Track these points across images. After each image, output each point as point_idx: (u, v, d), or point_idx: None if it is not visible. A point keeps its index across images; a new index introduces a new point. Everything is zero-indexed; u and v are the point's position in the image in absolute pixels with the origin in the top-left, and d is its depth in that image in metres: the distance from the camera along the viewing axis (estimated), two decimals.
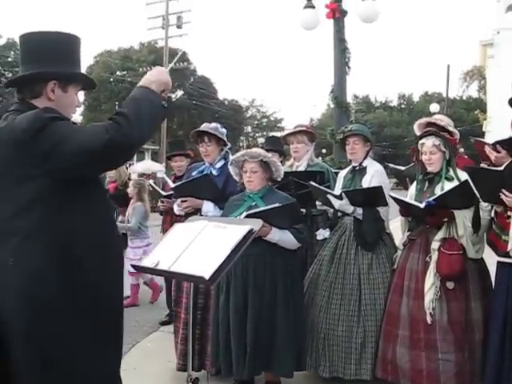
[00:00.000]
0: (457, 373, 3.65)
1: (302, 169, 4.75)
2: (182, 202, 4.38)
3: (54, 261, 2.11)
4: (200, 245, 2.36)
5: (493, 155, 3.94)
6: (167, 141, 32.64)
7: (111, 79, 42.63)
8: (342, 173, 4.63)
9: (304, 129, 4.85)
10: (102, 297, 2.23)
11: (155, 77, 2.28)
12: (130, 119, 2.09)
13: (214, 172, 4.49)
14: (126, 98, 2.25)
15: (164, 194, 5.84)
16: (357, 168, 4.45)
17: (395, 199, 3.99)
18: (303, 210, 4.48)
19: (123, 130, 2.07)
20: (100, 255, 2.22)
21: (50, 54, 2.27)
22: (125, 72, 42.86)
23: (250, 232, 2.27)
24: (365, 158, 4.43)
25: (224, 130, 4.58)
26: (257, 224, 2.37)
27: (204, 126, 4.54)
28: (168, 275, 3.12)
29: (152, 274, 2.58)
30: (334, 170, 5.21)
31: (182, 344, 4.31)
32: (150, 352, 5.28)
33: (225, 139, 4.53)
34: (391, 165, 5.38)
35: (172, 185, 5.26)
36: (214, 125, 4.57)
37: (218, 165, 4.51)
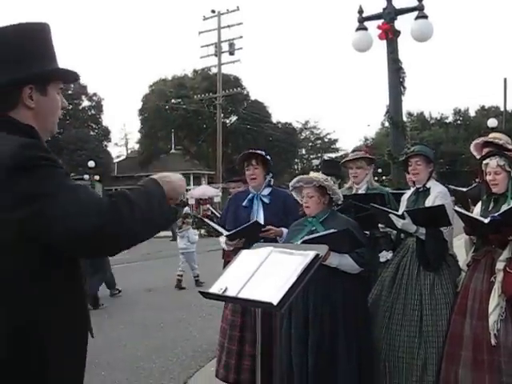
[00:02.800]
0: None
1: (361, 192, 4.75)
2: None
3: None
4: (266, 271, 2.39)
5: None
6: (223, 166, 33.14)
7: (166, 107, 43.56)
8: (406, 195, 4.60)
9: (363, 155, 4.86)
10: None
11: (175, 180, 1.88)
12: (134, 209, 1.65)
13: (266, 200, 4.55)
14: (137, 187, 1.79)
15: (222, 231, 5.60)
16: (420, 189, 4.41)
17: (459, 213, 3.93)
18: (367, 233, 4.47)
19: (123, 219, 1.62)
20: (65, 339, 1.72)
21: (17, 54, 1.80)
22: (179, 99, 43.76)
23: (317, 257, 2.29)
24: (428, 179, 4.39)
25: (268, 157, 4.67)
26: (322, 249, 2.39)
27: (252, 151, 4.65)
28: (235, 301, 3.16)
29: (219, 300, 2.59)
30: (392, 191, 5.20)
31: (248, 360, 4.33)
32: (214, 376, 5.32)
33: (271, 163, 4.62)
34: (452, 186, 5.30)
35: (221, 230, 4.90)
36: (259, 151, 4.67)
37: (266, 192, 4.57)
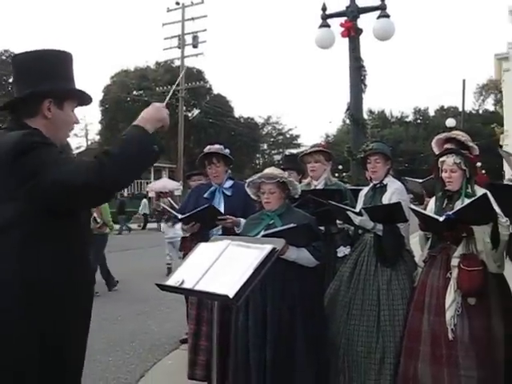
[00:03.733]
0: None
1: (320, 187, 4.79)
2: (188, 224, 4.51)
3: (16, 288, 2.04)
4: (224, 264, 2.40)
5: None
6: (184, 159, 32.94)
7: (128, 99, 43.05)
8: (363, 191, 4.66)
9: (321, 149, 4.91)
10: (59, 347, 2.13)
11: (151, 115, 2.26)
12: (115, 160, 2.05)
13: (228, 192, 4.62)
14: (118, 136, 2.22)
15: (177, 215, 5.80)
16: (377, 186, 4.48)
17: (414, 211, 4.01)
18: (322, 228, 4.53)
19: (105, 172, 2.01)
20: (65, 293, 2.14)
21: (43, 73, 2.24)
22: (141, 91, 43.28)
23: (273, 251, 2.31)
24: (385, 175, 4.47)
25: (228, 150, 4.72)
26: (279, 243, 2.41)
27: (208, 149, 4.67)
28: (192, 294, 3.16)
29: (176, 292, 2.59)
30: (351, 187, 5.26)
31: (204, 356, 4.34)
32: (171, 370, 5.32)
33: (232, 159, 4.68)
34: (408, 178, 5.41)
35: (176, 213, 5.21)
36: (217, 146, 4.73)
37: (227, 185, 4.65)
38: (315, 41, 8.29)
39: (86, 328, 2.33)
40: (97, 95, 53.74)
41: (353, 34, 7.92)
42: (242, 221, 4.40)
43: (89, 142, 54.32)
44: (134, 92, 43.75)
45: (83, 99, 2.41)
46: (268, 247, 2.31)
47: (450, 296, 3.75)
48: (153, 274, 10.76)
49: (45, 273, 2.08)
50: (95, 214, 9.07)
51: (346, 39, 8.01)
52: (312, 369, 3.86)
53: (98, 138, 50.16)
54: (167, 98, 2.56)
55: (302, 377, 3.82)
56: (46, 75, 2.24)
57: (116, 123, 44.25)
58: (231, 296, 2.18)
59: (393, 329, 4.04)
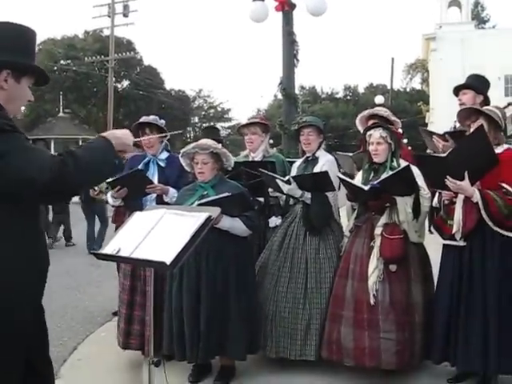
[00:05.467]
0: (397, 351, 3.86)
1: (257, 159, 4.88)
2: (118, 191, 4.45)
3: None
4: (160, 232, 2.45)
5: (441, 144, 4.29)
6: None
7: (55, 68, 41.51)
8: (296, 163, 4.81)
9: (258, 120, 4.98)
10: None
11: (121, 136, 2.31)
12: (79, 164, 2.06)
13: (162, 164, 4.63)
14: (85, 144, 2.26)
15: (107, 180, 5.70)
16: (310, 158, 4.63)
17: (342, 180, 4.19)
18: (261, 200, 4.63)
19: (68, 173, 2.03)
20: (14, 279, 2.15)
21: (6, 44, 2.23)
22: (69, 61, 41.82)
23: (209, 219, 2.38)
24: (318, 149, 4.60)
25: (163, 121, 4.73)
26: (215, 211, 2.48)
27: (144, 119, 4.67)
28: (129, 262, 3.19)
29: (113, 261, 2.62)
30: (287, 160, 5.40)
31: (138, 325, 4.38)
32: (104, 342, 5.32)
33: (166, 130, 4.68)
34: (340, 152, 5.59)
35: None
36: (152, 117, 4.72)
37: (163, 156, 4.66)
38: (249, 14, 8.29)
39: (39, 309, 2.41)
40: None
41: (287, 8, 7.97)
42: (171, 190, 4.44)
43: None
44: (62, 61, 42.19)
45: (40, 79, 2.40)
46: (204, 215, 2.37)
47: (373, 263, 3.96)
48: (82, 248, 10.67)
49: None
50: None
51: (280, 13, 8.06)
52: (244, 335, 4.00)
53: (23, 108, 48.25)
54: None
55: (235, 343, 3.96)
56: (7, 47, 2.22)
57: (42, 94, 42.60)
58: (168, 262, 2.24)
59: (319, 296, 4.23)
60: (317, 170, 4.47)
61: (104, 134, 2.28)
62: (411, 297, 3.99)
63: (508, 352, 3.64)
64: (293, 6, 8.06)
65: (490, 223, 3.66)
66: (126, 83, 45.52)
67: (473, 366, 3.78)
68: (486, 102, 4.50)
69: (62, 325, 6.07)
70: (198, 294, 3.94)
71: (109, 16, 32.83)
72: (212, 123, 53.93)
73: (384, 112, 4.56)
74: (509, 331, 3.66)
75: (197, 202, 3.84)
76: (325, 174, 4.24)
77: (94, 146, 2.22)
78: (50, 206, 11.25)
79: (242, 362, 4.15)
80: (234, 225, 3.95)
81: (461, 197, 3.77)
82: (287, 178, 4.38)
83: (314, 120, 4.68)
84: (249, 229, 4.04)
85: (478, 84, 4.58)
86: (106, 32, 36.39)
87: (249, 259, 4.25)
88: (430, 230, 5.07)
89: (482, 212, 3.65)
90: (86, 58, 37.52)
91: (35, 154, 2.08)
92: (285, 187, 4.35)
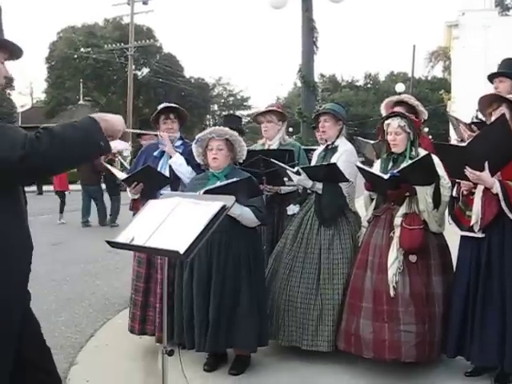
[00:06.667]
0: (417, 344, 3.81)
1: (273, 147, 4.85)
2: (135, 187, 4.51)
3: None
4: (174, 220, 2.43)
5: (467, 133, 4.19)
6: (134, 119, 32.40)
7: (75, 56, 41.74)
8: (317, 151, 4.77)
9: (274, 108, 4.94)
10: None
11: (111, 119, 2.20)
12: (54, 142, 1.97)
13: (178, 150, 4.62)
14: (70, 122, 2.14)
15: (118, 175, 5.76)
16: (329, 147, 4.56)
17: (361, 169, 4.11)
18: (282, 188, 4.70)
19: (40, 151, 1.94)
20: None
21: None
22: (89, 49, 41.99)
23: (223, 208, 2.35)
24: (337, 137, 4.53)
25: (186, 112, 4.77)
26: (229, 200, 2.45)
27: (165, 105, 4.67)
28: (143, 250, 3.19)
29: (127, 249, 2.61)
30: (307, 147, 5.39)
31: (159, 317, 4.38)
32: (121, 328, 5.34)
33: (187, 115, 4.76)
34: (360, 138, 5.52)
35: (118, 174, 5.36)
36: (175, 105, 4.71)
37: (178, 143, 4.69)
38: (268, 0, 8.23)
39: (24, 291, 2.30)
40: (42, 52, 51.82)
41: None
42: (178, 155, 4.52)
43: (34, 101, 52.67)
44: (82, 49, 42.36)
45: (14, 52, 2.27)
46: (218, 204, 2.35)
47: (393, 254, 3.89)
48: (100, 235, 10.73)
49: None
50: None
51: (299, 0, 7.99)
52: (254, 327, 3.97)
53: (43, 96, 48.63)
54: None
55: (244, 335, 3.95)
56: None
57: (63, 81, 42.96)
58: (182, 252, 2.22)
59: (331, 287, 4.18)
60: (334, 158, 4.39)
61: (93, 115, 2.17)
62: (431, 288, 3.92)
63: None
64: None
65: (510, 215, 3.57)
66: (145, 71, 45.68)
67: (488, 361, 3.72)
68: None
69: (80, 311, 6.14)
70: (209, 284, 3.92)
71: (128, 4, 32.89)
72: (231, 111, 54.00)
73: (413, 101, 4.46)
74: None
75: (204, 189, 3.76)
76: (333, 165, 4.18)
77: (78, 125, 2.10)
78: None
79: (258, 351, 4.13)
80: (244, 212, 3.89)
81: (480, 187, 3.68)
82: (296, 169, 4.34)
83: (331, 107, 4.59)
84: (258, 219, 3.98)
85: None
86: (126, 20, 36.55)
87: (259, 251, 4.22)
88: (449, 221, 5.00)
89: (502, 203, 3.56)
90: (105, 46, 37.69)
91: (7, 132, 1.99)
92: (295, 178, 4.32)
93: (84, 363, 4.59)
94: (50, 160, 1.99)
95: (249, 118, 48.89)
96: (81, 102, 42.48)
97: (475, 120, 4.56)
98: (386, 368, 3.97)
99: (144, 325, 4.52)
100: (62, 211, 13.79)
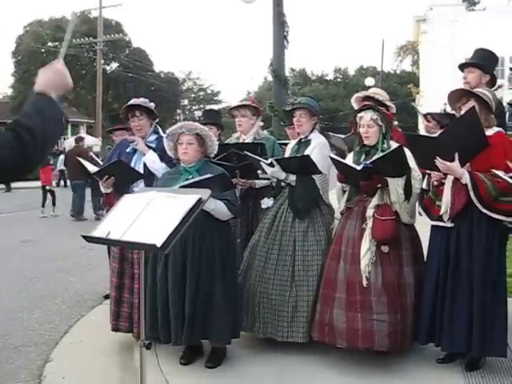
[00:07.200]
0: (389, 333, 3.88)
1: (248, 141, 4.87)
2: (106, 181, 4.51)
3: None
4: (150, 214, 2.43)
5: (424, 124, 4.31)
6: (103, 114, 32.04)
7: (42, 50, 41.04)
8: (290, 144, 4.81)
9: (248, 103, 4.96)
10: None
11: (54, 82, 2.08)
12: (35, 136, 1.90)
13: (152, 145, 4.62)
14: (27, 103, 2.01)
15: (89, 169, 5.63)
16: (302, 140, 4.61)
17: (334, 160, 4.18)
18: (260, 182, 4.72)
19: (29, 150, 1.88)
20: None
21: None
22: (57, 43, 41.30)
23: (200, 201, 2.37)
24: (311, 131, 4.58)
25: (152, 104, 4.71)
26: (205, 194, 2.47)
27: (133, 101, 4.64)
28: (119, 244, 3.19)
29: (103, 243, 2.60)
30: (281, 142, 5.45)
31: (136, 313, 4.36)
32: (96, 325, 5.33)
33: (155, 112, 4.70)
34: (331, 133, 5.58)
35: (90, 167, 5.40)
36: (142, 99, 4.69)
37: (152, 138, 4.65)
38: None
39: None
40: (9, 46, 50.76)
41: None
42: (152, 152, 4.51)
43: (0, 96, 51.63)
44: (49, 43, 41.69)
45: None
46: (195, 197, 2.37)
47: (365, 245, 3.96)
48: (73, 231, 10.63)
49: None
50: None
51: None
52: (228, 320, 4.00)
53: (10, 91, 47.74)
54: (62, 53, 2.32)
55: (219, 328, 3.98)
56: None
57: (30, 76, 42.08)
58: (159, 245, 2.23)
59: (306, 279, 4.24)
60: (307, 151, 4.45)
61: (41, 90, 2.02)
62: (403, 278, 4.00)
63: (491, 337, 3.69)
64: None
65: (478, 205, 3.68)
66: (114, 65, 45.19)
67: (457, 348, 3.83)
68: (493, 81, 4.38)
69: (53, 308, 6.08)
70: (184, 277, 3.94)
71: None
72: (201, 105, 53.73)
73: (380, 96, 4.52)
74: (492, 316, 3.71)
75: (179, 184, 3.78)
76: (306, 157, 4.23)
77: (41, 109, 1.97)
78: None
79: (234, 343, 4.16)
80: (217, 206, 3.92)
81: (450, 178, 3.78)
82: (270, 160, 4.37)
83: (307, 101, 4.64)
84: (231, 212, 4.02)
85: (485, 62, 4.37)
86: (94, 13, 36.00)
87: (232, 244, 4.26)
88: (420, 212, 5.10)
89: (471, 194, 3.67)
90: (73, 40, 37.07)
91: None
92: (269, 170, 4.35)
93: (59, 360, 4.56)
94: (38, 155, 1.95)
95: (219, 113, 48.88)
96: None
97: (442, 112, 4.67)
98: (360, 357, 4.04)
99: (117, 321, 4.50)
100: (54, 203, 14.20)
